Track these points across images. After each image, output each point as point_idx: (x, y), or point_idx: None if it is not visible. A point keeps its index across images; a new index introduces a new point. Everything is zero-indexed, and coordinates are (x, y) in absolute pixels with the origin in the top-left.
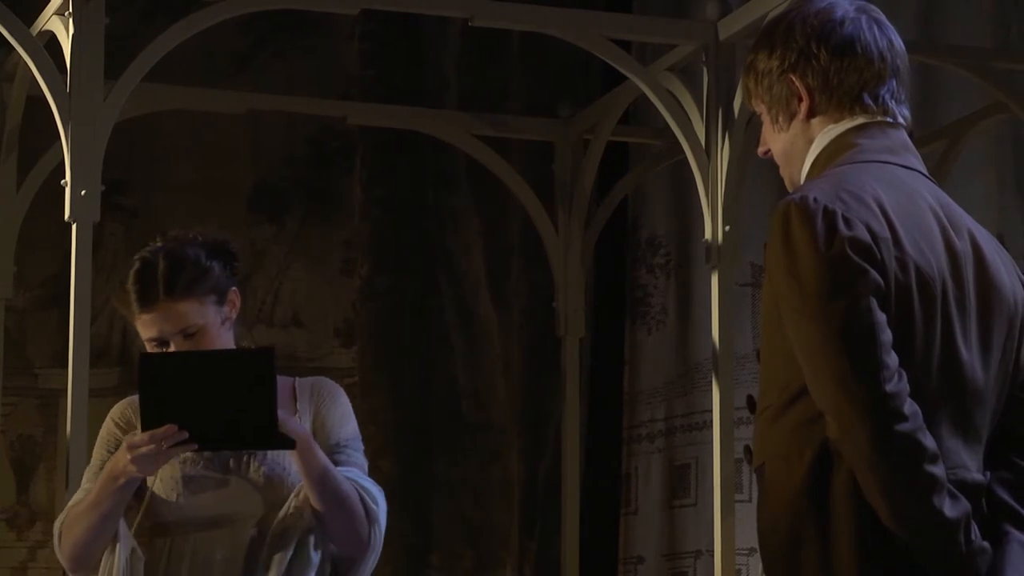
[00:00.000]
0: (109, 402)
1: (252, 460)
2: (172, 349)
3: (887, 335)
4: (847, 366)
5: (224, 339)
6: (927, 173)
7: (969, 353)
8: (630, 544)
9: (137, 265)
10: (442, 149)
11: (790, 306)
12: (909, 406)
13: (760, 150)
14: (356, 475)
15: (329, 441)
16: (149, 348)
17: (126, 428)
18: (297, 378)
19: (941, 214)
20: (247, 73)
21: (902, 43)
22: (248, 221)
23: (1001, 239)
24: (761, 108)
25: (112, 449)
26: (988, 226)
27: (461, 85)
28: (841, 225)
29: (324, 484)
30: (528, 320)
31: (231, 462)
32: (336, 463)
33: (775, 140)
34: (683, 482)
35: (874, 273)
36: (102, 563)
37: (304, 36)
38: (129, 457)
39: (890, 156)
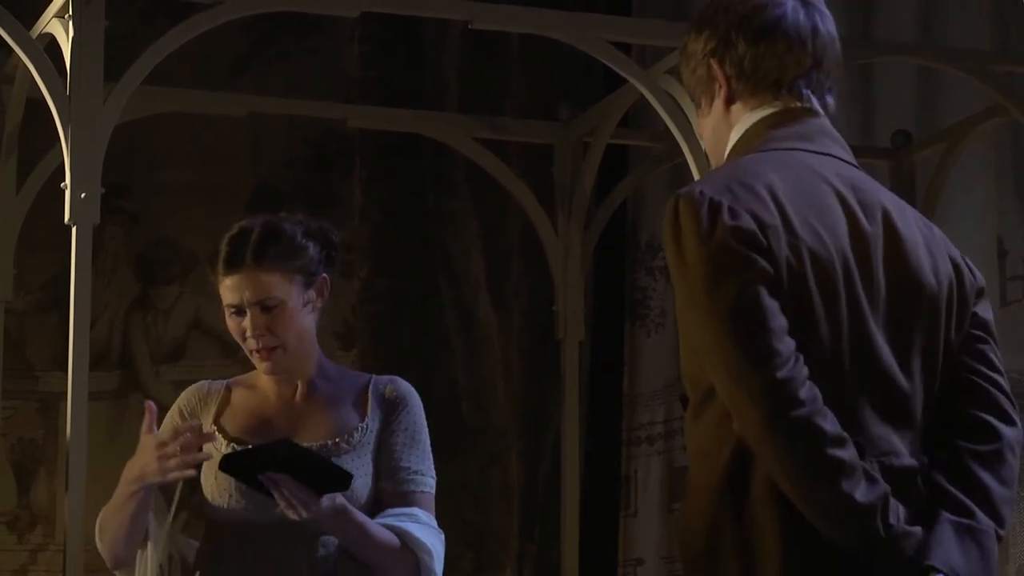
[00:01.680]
0: (109, 405)
1: None
2: (247, 321)
3: (779, 321)
4: (736, 354)
5: (305, 322)
6: (848, 158)
7: (882, 336)
8: (630, 546)
9: (234, 230)
10: (442, 152)
11: (682, 297)
12: (806, 391)
13: (698, 132)
14: (412, 524)
15: (395, 462)
16: (228, 316)
17: (189, 419)
18: (374, 376)
19: (850, 198)
20: (247, 76)
21: (833, 29)
22: None
23: (1000, 242)
24: (691, 88)
25: None
26: (988, 230)
27: (461, 87)
28: (725, 215)
29: (367, 557)
30: (528, 323)
31: None
32: (401, 493)
33: (702, 122)
34: (682, 485)
35: (762, 261)
36: (137, 561)
37: (304, 38)
38: (155, 459)
39: (800, 143)
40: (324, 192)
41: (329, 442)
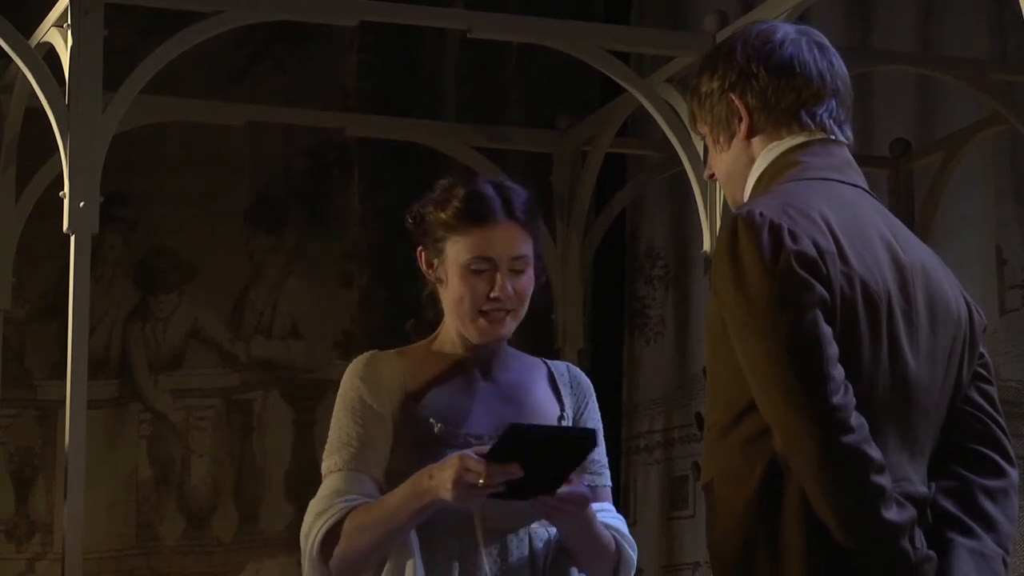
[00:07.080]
0: (107, 414)
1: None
2: (498, 279)
3: (833, 348)
4: (793, 378)
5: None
6: (870, 190)
7: (917, 367)
8: None
9: (468, 187)
10: (440, 160)
11: (737, 319)
12: (855, 418)
13: (706, 174)
14: (614, 520)
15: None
16: (463, 273)
17: (375, 393)
18: (546, 360)
19: (886, 231)
20: (245, 85)
21: (844, 67)
22: (246, 232)
23: (999, 251)
24: (704, 130)
25: (360, 420)
26: (986, 238)
27: (459, 97)
28: (787, 239)
29: (589, 548)
30: (526, 331)
31: None
32: (593, 488)
33: (718, 161)
34: (681, 494)
35: (820, 287)
36: (385, 568)
37: (302, 48)
38: (451, 485)
39: (834, 174)
40: (322, 201)
41: None
